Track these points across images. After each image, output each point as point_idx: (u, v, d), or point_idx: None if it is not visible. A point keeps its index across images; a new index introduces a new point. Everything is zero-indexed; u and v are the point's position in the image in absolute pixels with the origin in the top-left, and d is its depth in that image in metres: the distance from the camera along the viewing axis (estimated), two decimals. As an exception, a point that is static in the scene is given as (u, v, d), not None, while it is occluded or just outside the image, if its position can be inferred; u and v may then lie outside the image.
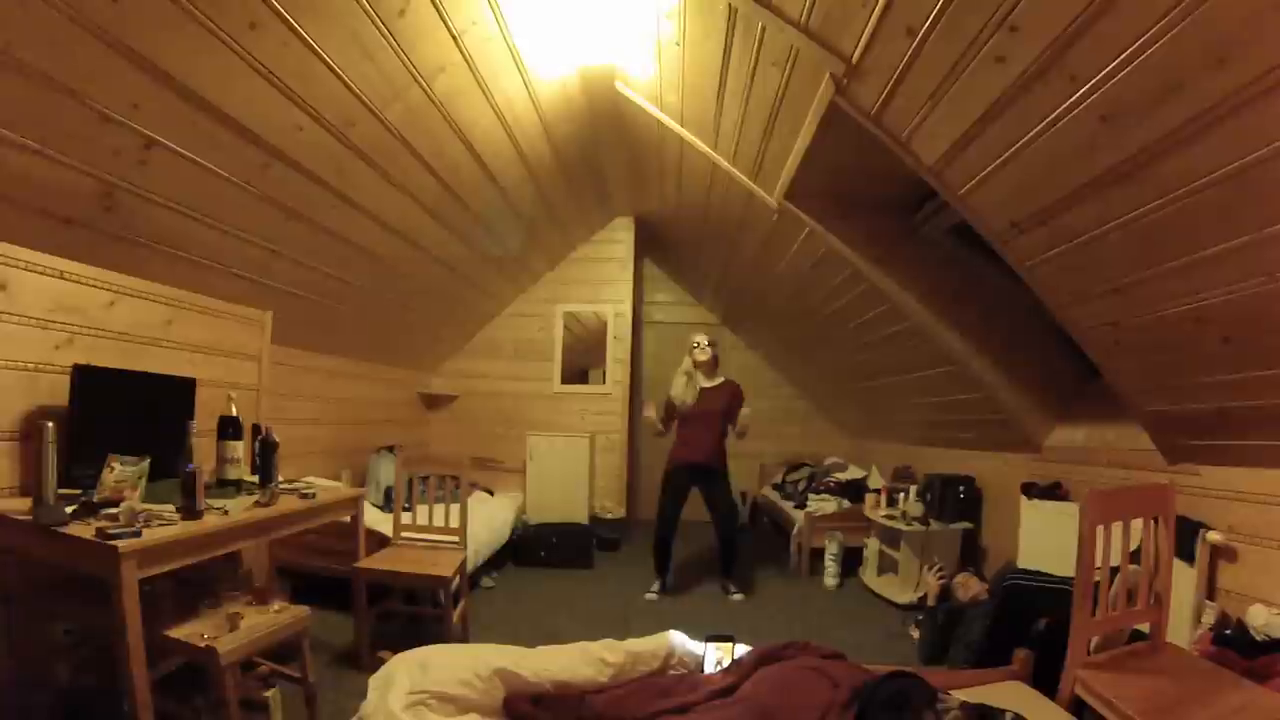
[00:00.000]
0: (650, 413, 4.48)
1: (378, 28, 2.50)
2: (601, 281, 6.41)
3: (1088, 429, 3.55)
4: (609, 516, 5.96)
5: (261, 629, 2.16)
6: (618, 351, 6.39)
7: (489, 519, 4.72)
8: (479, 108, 3.37)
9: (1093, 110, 1.84)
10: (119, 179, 2.32)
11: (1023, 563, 3.47)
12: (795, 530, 5.27)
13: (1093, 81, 1.77)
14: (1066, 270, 2.49)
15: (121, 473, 2.12)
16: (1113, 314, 2.50)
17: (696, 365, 4.43)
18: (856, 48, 2.31)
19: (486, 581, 4.50)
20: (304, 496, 2.69)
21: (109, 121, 2.12)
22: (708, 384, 4.45)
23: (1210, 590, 2.64)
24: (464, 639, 3.24)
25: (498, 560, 4.83)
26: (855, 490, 5.53)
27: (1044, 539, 3.48)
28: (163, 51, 2.06)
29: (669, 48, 3.20)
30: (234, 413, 2.62)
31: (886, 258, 3.73)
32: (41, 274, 2.27)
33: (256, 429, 2.81)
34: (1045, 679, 2.13)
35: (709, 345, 4.45)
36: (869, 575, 4.77)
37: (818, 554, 4.97)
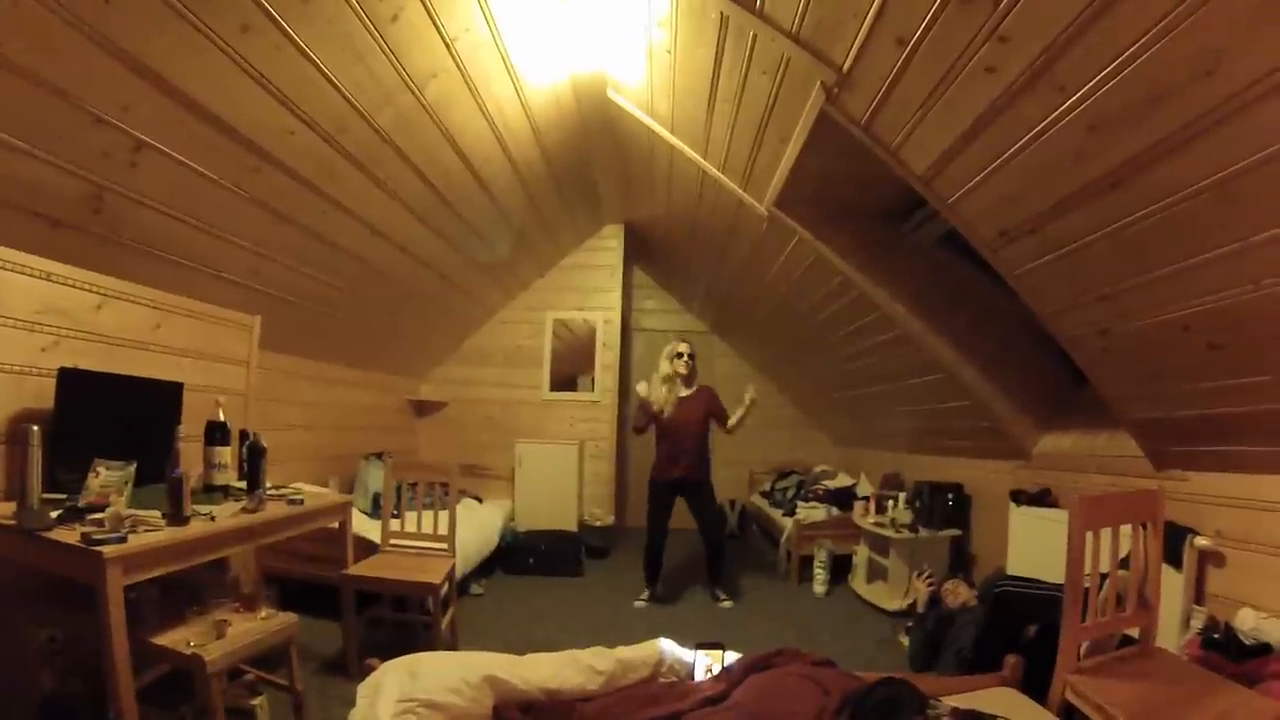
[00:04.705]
0: (643, 391, 4.35)
1: (370, 33, 2.49)
2: (591, 289, 6.41)
3: (1076, 436, 3.57)
4: (598, 524, 5.93)
5: (249, 636, 2.14)
6: (607, 359, 6.38)
7: (478, 526, 4.70)
8: (470, 114, 3.37)
9: (1081, 120, 1.87)
10: (108, 181, 2.30)
11: (1012, 569, 3.49)
12: (784, 537, 5.27)
13: (1081, 91, 1.79)
14: (1055, 278, 2.52)
15: (107, 477, 2.09)
16: (1101, 321, 2.53)
17: (676, 375, 4.40)
18: (847, 57, 2.32)
19: (475, 589, 4.47)
20: (292, 503, 2.66)
21: (99, 123, 2.10)
22: (685, 393, 4.42)
23: (1198, 595, 2.66)
24: (453, 646, 3.22)
25: (486, 567, 4.81)
26: (844, 498, 5.53)
27: (1033, 545, 3.50)
28: (154, 53, 2.05)
29: (660, 55, 3.21)
30: (222, 418, 2.60)
31: (876, 265, 3.76)
32: (29, 276, 2.24)
33: (244, 434, 2.78)
34: (1035, 684, 2.13)
35: (690, 358, 4.42)
36: (858, 582, 4.77)
37: (807, 561, 4.97)
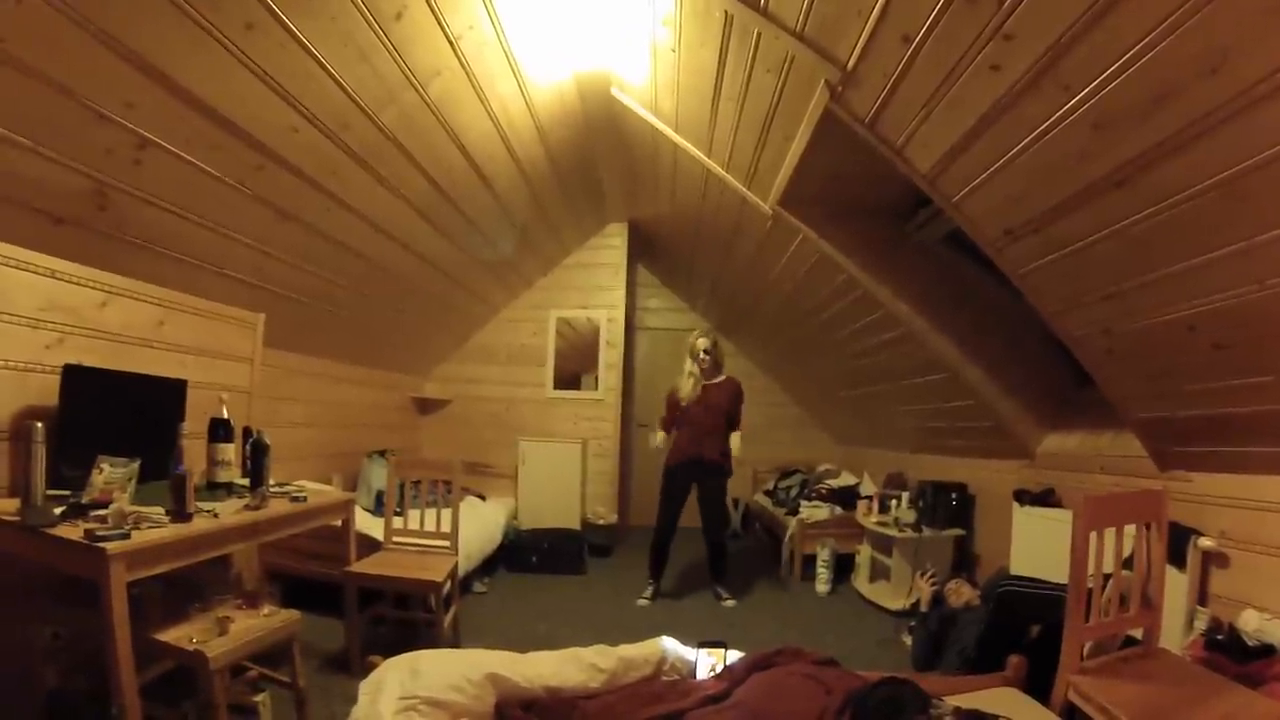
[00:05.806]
0: (659, 440, 4.52)
1: (374, 30, 2.49)
2: (595, 287, 6.41)
3: (1080, 436, 3.56)
4: (601, 522, 5.94)
5: (251, 633, 2.14)
6: (610, 357, 6.38)
7: (481, 524, 4.70)
8: (474, 112, 3.37)
9: (1086, 118, 1.86)
10: (112, 178, 2.31)
11: (1015, 569, 3.48)
12: (787, 536, 5.27)
13: (1086, 90, 1.78)
14: (1059, 277, 2.51)
15: (111, 474, 2.10)
16: (1105, 321, 2.52)
17: (700, 370, 4.47)
18: (852, 55, 2.32)
19: (478, 587, 4.47)
20: (295, 500, 2.67)
21: (103, 120, 2.11)
22: (710, 381, 4.51)
23: (1202, 596, 2.65)
24: (455, 644, 3.22)
25: (489, 566, 4.81)
26: (847, 497, 5.53)
27: (1036, 545, 3.49)
28: (159, 50, 2.05)
29: (664, 54, 3.21)
30: (225, 415, 2.60)
31: (880, 264, 3.75)
32: (33, 273, 2.25)
33: (248, 432, 2.79)
34: (1039, 685, 2.13)
35: (706, 354, 4.46)
36: (861, 582, 4.77)
37: (810, 560, 4.97)
